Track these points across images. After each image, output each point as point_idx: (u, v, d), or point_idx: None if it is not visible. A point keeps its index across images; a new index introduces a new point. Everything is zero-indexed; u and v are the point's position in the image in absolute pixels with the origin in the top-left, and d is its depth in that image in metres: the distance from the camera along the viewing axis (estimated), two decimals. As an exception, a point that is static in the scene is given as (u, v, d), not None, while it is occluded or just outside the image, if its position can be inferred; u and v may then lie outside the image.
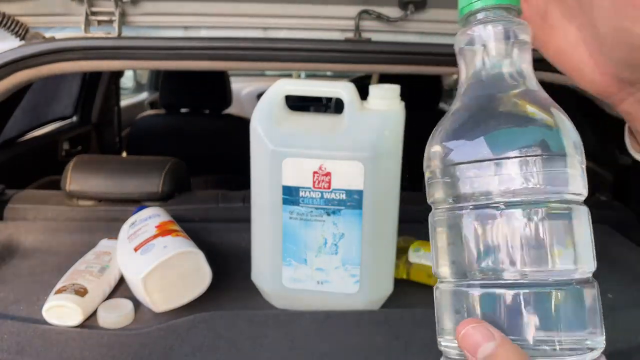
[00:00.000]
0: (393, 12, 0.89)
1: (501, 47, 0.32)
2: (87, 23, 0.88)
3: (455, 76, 2.10)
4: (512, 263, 0.29)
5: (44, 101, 1.73)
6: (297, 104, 2.75)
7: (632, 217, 1.05)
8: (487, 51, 0.32)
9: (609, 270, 0.86)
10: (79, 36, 0.89)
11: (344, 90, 0.68)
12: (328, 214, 0.69)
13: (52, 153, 1.78)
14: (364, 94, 0.69)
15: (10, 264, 0.85)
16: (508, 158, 0.29)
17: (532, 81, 0.32)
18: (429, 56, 0.91)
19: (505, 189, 0.29)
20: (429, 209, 0.34)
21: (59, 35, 0.91)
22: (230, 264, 0.84)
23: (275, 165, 0.68)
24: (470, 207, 0.30)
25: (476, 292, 0.30)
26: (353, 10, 0.89)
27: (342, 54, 0.91)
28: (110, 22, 0.89)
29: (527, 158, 0.29)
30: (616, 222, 0.97)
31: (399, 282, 0.77)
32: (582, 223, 0.31)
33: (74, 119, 2.00)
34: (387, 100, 0.69)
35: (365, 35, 0.91)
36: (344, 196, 0.68)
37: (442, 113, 0.34)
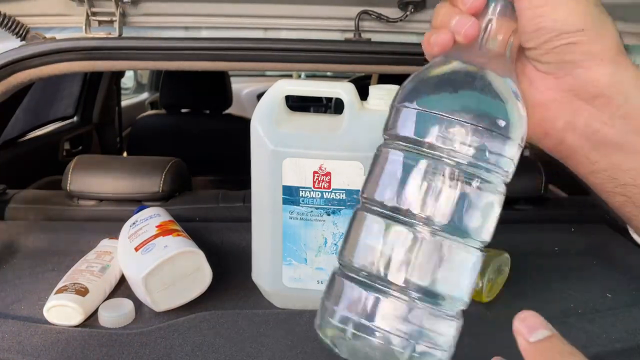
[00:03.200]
0: (393, 12, 0.89)
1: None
2: (88, 23, 0.88)
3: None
4: (418, 207, 0.31)
5: (45, 101, 1.73)
6: (297, 104, 2.77)
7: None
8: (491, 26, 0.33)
9: (608, 270, 0.86)
10: (79, 36, 0.89)
11: (343, 90, 0.68)
12: (328, 214, 0.69)
13: (52, 153, 1.78)
14: (364, 94, 0.70)
15: (11, 263, 0.85)
16: (449, 118, 0.31)
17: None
18: (428, 56, 0.91)
19: (435, 144, 0.31)
20: None
21: (59, 35, 0.91)
22: (230, 264, 0.84)
23: (275, 165, 0.68)
24: (405, 148, 0.33)
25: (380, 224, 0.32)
26: (353, 10, 0.89)
27: (342, 54, 0.91)
28: (111, 22, 0.89)
29: (472, 126, 0.30)
30: (615, 222, 0.97)
31: (398, 282, 0.77)
32: (491, 198, 0.32)
33: (75, 119, 2.00)
34: (386, 101, 0.69)
35: (365, 35, 0.91)
36: (343, 196, 0.68)
37: None
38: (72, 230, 0.94)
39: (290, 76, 3.10)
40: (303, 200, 0.69)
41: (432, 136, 0.31)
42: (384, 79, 1.97)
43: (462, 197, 0.31)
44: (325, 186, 0.68)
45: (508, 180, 0.33)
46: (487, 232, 0.33)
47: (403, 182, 0.32)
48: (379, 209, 0.33)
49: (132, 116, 2.31)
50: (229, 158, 1.78)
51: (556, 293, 0.78)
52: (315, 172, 0.67)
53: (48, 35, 0.91)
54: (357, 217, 0.35)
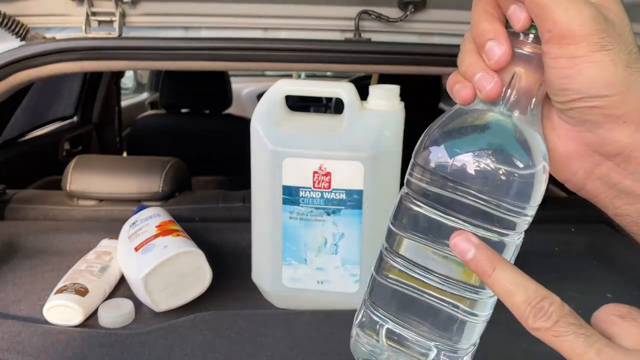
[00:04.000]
0: (393, 12, 0.89)
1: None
2: (88, 23, 0.88)
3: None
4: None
5: (45, 101, 1.73)
6: (297, 104, 2.77)
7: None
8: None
9: (608, 270, 0.86)
10: (79, 36, 0.89)
11: (344, 90, 0.68)
12: (328, 214, 0.69)
13: (52, 153, 1.78)
14: (364, 94, 0.69)
15: (11, 263, 0.85)
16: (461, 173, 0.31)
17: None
18: (428, 56, 0.91)
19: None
20: None
21: (59, 35, 0.91)
22: (230, 264, 0.84)
23: (275, 165, 0.68)
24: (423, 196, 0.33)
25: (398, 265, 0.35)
26: (353, 10, 0.89)
27: (342, 54, 0.91)
28: (111, 22, 0.89)
29: (495, 171, 0.30)
30: (616, 222, 0.97)
31: (398, 282, 0.77)
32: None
33: (75, 119, 1.99)
34: (387, 101, 0.69)
35: (365, 35, 0.91)
36: (343, 196, 0.68)
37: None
38: (72, 230, 0.94)
39: (290, 76, 3.09)
40: (303, 200, 0.69)
41: (455, 177, 0.31)
42: (384, 79, 1.96)
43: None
44: (325, 186, 0.68)
45: (519, 232, 0.34)
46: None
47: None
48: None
49: (132, 116, 2.31)
50: (229, 158, 1.78)
51: (556, 293, 0.78)
52: (315, 172, 0.67)
53: (48, 35, 0.91)
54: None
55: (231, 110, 2.21)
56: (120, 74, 2.34)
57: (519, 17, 0.30)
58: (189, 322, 0.67)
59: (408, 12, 0.87)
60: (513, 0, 0.31)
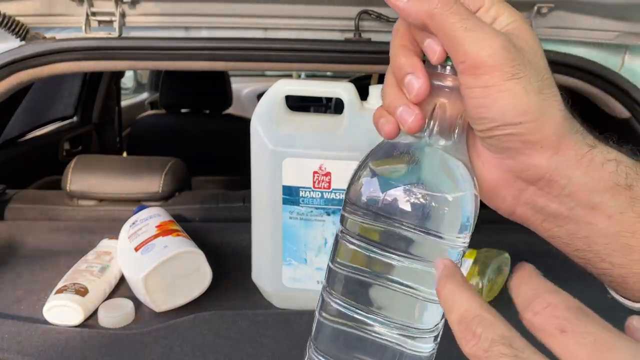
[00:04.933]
0: (393, 12, 0.89)
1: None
2: (88, 23, 0.88)
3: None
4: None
5: (45, 101, 1.73)
6: (297, 104, 2.76)
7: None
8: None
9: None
10: (79, 36, 0.89)
11: (343, 90, 0.68)
12: (328, 214, 0.69)
13: (52, 153, 1.78)
14: (364, 94, 0.69)
15: (11, 263, 0.85)
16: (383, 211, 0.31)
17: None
18: (428, 56, 0.91)
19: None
20: None
21: (59, 35, 0.91)
22: (230, 264, 0.84)
23: (275, 165, 0.68)
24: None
25: (333, 307, 0.34)
26: (353, 10, 0.89)
27: (342, 54, 0.91)
28: (111, 22, 0.89)
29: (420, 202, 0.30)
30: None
31: (398, 282, 0.77)
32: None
33: (75, 119, 1.99)
34: (387, 101, 0.69)
35: (365, 35, 0.91)
36: (343, 196, 0.68)
37: None
38: (72, 230, 0.94)
39: (290, 76, 3.09)
40: (303, 200, 0.69)
41: (385, 211, 0.31)
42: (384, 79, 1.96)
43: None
44: (325, 186, 0.68)
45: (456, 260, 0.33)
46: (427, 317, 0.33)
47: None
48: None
49: (132, 116, 2.31)
50: (229, 158, 1.78)
51: (556, 293, 0.78)
52: (315, 172, 0.67)
53: (48, 35, 0.91)
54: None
55: (231, 110, 2.21)
56: (120, 74, 2.34)
57: (434, 50, 0.31)
58: (189, 322, 0.67)
59: (408, 12, 0.87)
60: (427, 34, 0.31)
